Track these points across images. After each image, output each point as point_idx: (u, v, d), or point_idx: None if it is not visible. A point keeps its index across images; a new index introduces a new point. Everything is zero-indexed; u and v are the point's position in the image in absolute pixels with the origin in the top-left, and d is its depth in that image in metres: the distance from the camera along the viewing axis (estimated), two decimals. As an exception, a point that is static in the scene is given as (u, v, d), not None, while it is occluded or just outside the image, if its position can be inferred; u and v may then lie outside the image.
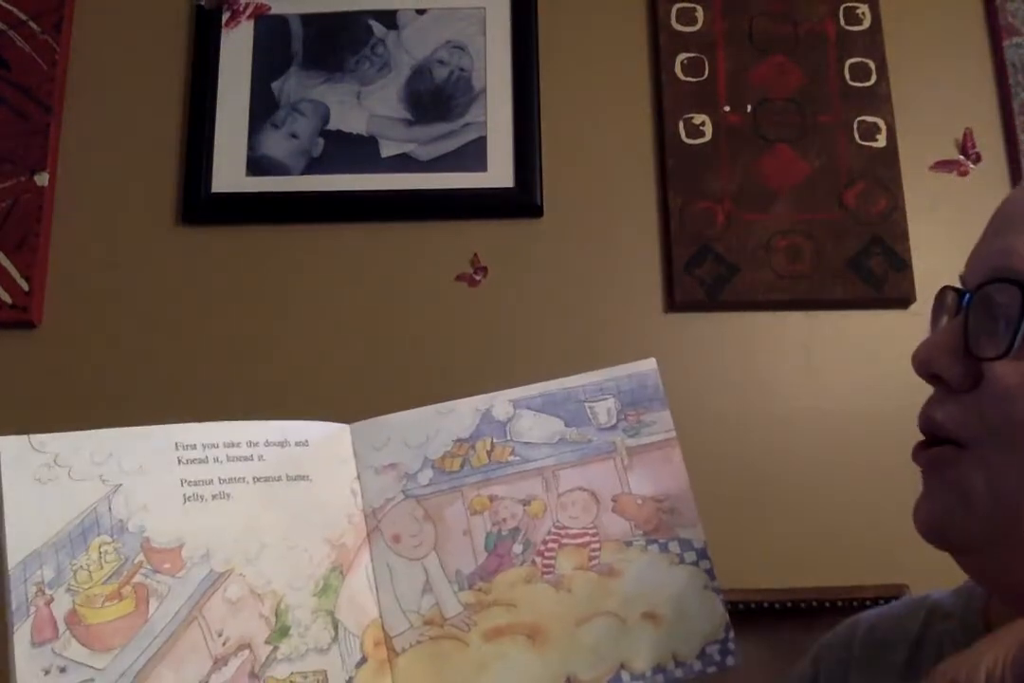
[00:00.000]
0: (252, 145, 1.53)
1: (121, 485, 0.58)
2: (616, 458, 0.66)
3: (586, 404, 0.67)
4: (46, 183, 1.50)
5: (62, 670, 0.53)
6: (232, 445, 0.62)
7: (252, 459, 0.62)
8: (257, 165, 1.52)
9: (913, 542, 0.57)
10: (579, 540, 0.64)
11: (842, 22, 1.55)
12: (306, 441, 0.64)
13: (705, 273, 1.45)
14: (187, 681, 0.56)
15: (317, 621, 0.60)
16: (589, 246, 1.49)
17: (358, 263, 1.49)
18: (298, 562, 0.61)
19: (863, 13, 1.55)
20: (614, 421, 0.67)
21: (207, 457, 0.61)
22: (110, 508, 0.57)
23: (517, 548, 0.64)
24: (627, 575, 0.63)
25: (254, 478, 0.62)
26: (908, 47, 1.55)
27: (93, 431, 0.59)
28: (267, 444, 0.63)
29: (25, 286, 1.45)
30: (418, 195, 1.50)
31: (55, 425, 1.55)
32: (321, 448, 0.65)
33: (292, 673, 0.58)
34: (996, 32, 1.55)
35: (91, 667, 0.54)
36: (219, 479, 0.61)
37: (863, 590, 1.26)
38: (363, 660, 0.61)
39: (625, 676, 0.61)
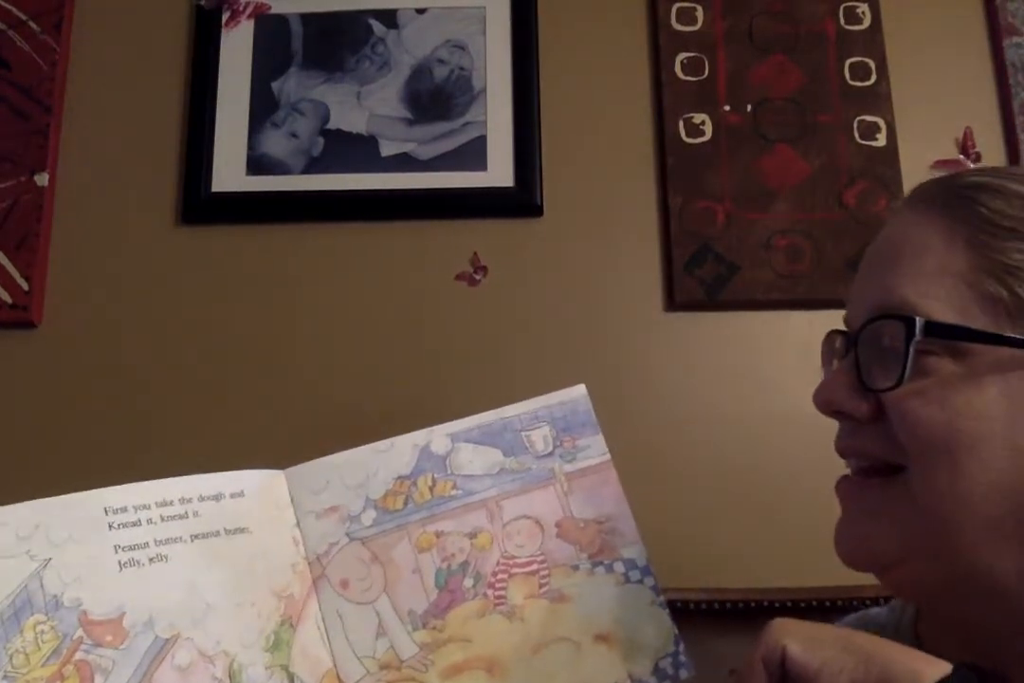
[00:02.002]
0: (252, 145, 1.53)
1: (51, 559, 0.55)
2: (555, 484, 0.67)
3: (522, 433, 0.68)
4: (46, 183, 1.50)
5: None
6: (165, 504, 0.60)
7: (187, 516, 0.60)
8: (257, 164, 1.52)
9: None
10: (528, 568, 0.65)
11: (842, 21, 1.55)
12: (241, 492, 0.63)
13: (705, 273, 1.45)
14: None
15: (272, 677, 0.58)
16: (589, 246, 1.49)
17: (358, 262, 1.49)
18: (247, 619, 0.59)
19: (863, 12, 1.55)
20: (551, 448, 0.68)
21: (140, 519, 0.59)
22: (42, 584, 0.54)
23: (468, 582, 0.64)
24: (577, 599, 0.64)
25: (191, 536, 0.60)
26: (908, 47, 1.55)
27: (14, 505, 0.56)
28: (201, 499, 0.61)
29: (25, 286, 1.45)
30: (418, 195, 1.50)
31: (55, 424, 1.55)
32: (258, 497, 0.63)
33: None
34: (996, 32, 1.55)
35: None
36: (155, 541, 0.58)
37: (863, 590, 1.26)
38: None
39: None
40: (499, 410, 0.68)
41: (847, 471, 0.59)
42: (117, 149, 1.54)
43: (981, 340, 0.52)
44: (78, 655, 0.54)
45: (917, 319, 0.53)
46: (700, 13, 1.56)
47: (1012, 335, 0.52)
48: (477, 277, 1.48)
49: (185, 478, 0.62)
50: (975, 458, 0.51)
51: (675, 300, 1.45)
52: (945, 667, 0.44)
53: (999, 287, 0.53)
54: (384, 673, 0.61)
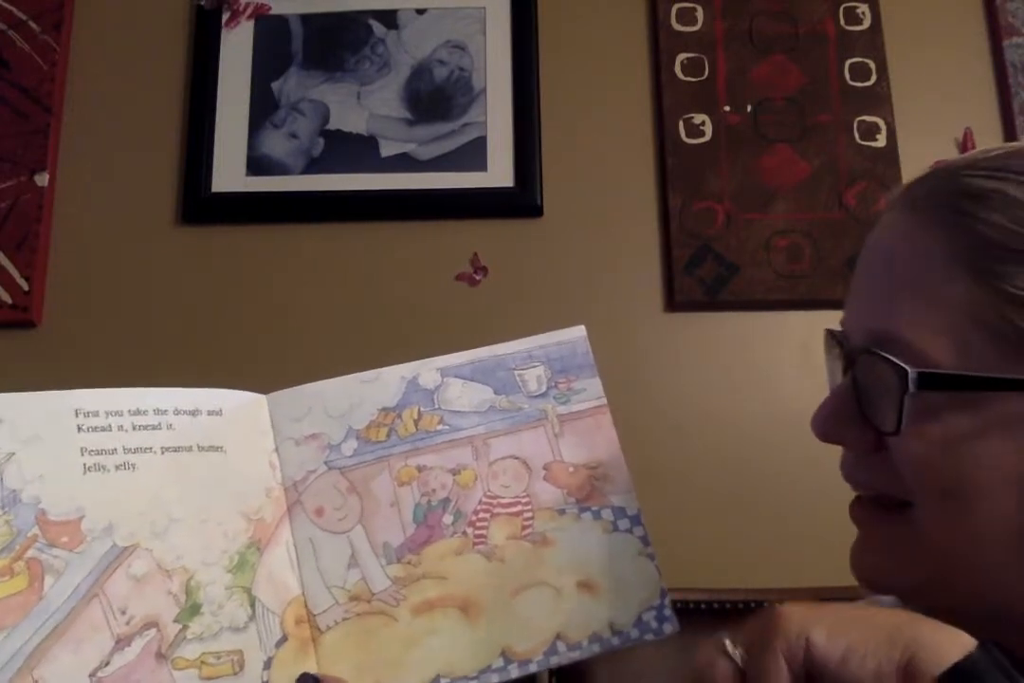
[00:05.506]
0: (252, 145, 1.53)
1: (14, 454, 0.55)
2: (547, 426, 0.65)
3: (515, 372, 0.66)
4: (46, 183, 1.50)
5: None
6: (138, 413, 0.59)
7: (160, 428, 0.59)
8: (257, 165, 1.52)
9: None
10: (511, 509, 0.63)
11: (842, 22, 1.55)
12: (220, 410, 0.62)
13: (705, 273, 1.45)
14: (86, 661, 0.53)
15: (232, 599, 0.57)
16: (589, 246, 1.49)
17: (358, 263, 1.49)
18: (211, 537, 0.58)
19: (863, 13, 1.55)
20: (544, 388, 0.66)
21: (110, 425, 0.58)
22: (1, 478, 0.54)
23: (447, 519, 0.62)
24: (561, 544, 0.62)
25: (162, 448, 0.59)
26: (908, 47, 1.55)
27: None
28: (177, 412, 0.60)
29: (25, 286, 1.45)
30: (418, 195, 1.50)
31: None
32: (236, 418, 0.62)
33: (203, 653, 0.56)
34: (996, 32, 1.55)
35: None
36: (124, 448, 0.58)
37: (863, 590, 1.26)
38: (284, 639, 0.58)
39: (561, 646, 0.60)
40: (493, 347, 0.67)
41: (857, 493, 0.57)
42: (117, 149, 1.54)
43: (981, 387, 0.48)
44: (30, 553, 0.53)
45: (910, 372, 0.48)
46: (700, 13, 1.56)
47: (1016, 377, 0.47)
48: (477, 277, 1.48)
49: (162, 389, 0.60)
50: (983, 504, 0.48)
51: (675, 300, 1.45)
52: (969, 642, 0.42)
53: (1002, 320, 0.48)
54: (353, 605, 0.60)
